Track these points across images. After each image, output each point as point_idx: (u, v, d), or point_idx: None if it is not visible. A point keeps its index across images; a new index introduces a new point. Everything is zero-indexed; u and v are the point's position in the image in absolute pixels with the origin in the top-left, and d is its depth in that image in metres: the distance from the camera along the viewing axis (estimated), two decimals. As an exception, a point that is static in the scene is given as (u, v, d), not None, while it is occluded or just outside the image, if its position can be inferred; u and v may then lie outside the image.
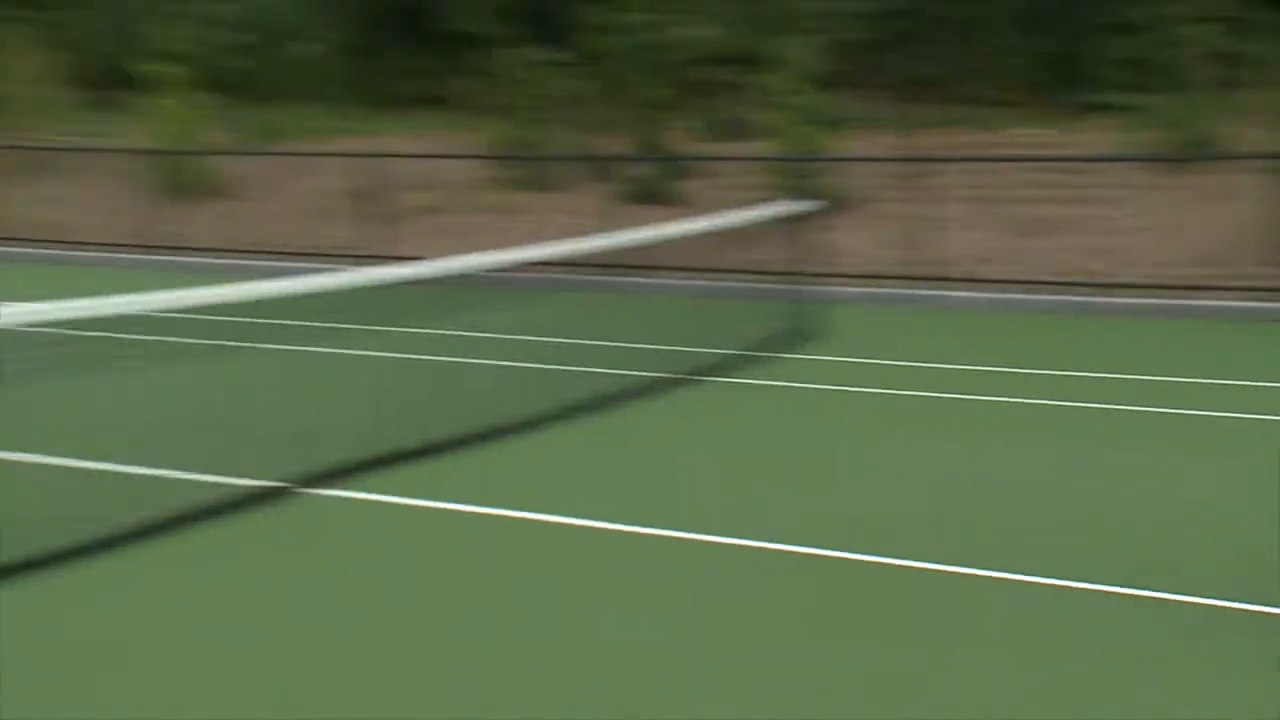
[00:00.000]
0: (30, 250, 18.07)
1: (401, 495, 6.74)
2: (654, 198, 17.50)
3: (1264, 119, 17.37)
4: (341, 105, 22.41)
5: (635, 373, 9.71)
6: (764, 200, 14.10)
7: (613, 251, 14.66)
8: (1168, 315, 12.92)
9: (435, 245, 15.71)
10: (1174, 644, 4.79)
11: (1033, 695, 4.35)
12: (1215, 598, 5.20)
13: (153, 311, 6.50)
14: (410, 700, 4.36)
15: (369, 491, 6.81)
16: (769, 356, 10.71)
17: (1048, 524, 6.30)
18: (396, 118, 22.10)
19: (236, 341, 9.59)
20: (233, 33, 23.38)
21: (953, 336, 11.96)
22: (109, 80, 23.19)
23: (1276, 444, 7.69)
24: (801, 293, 12.06)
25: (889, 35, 21.67)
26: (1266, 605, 5.14)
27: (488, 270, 9.49)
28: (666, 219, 13.97)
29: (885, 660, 4.68)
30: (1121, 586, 5.31)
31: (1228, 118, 18.04)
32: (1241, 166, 16.33)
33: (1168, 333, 12.07)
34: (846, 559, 5.79)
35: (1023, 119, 21.06)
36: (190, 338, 9.87)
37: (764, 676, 4.55)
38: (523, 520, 6.39)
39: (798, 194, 13.71)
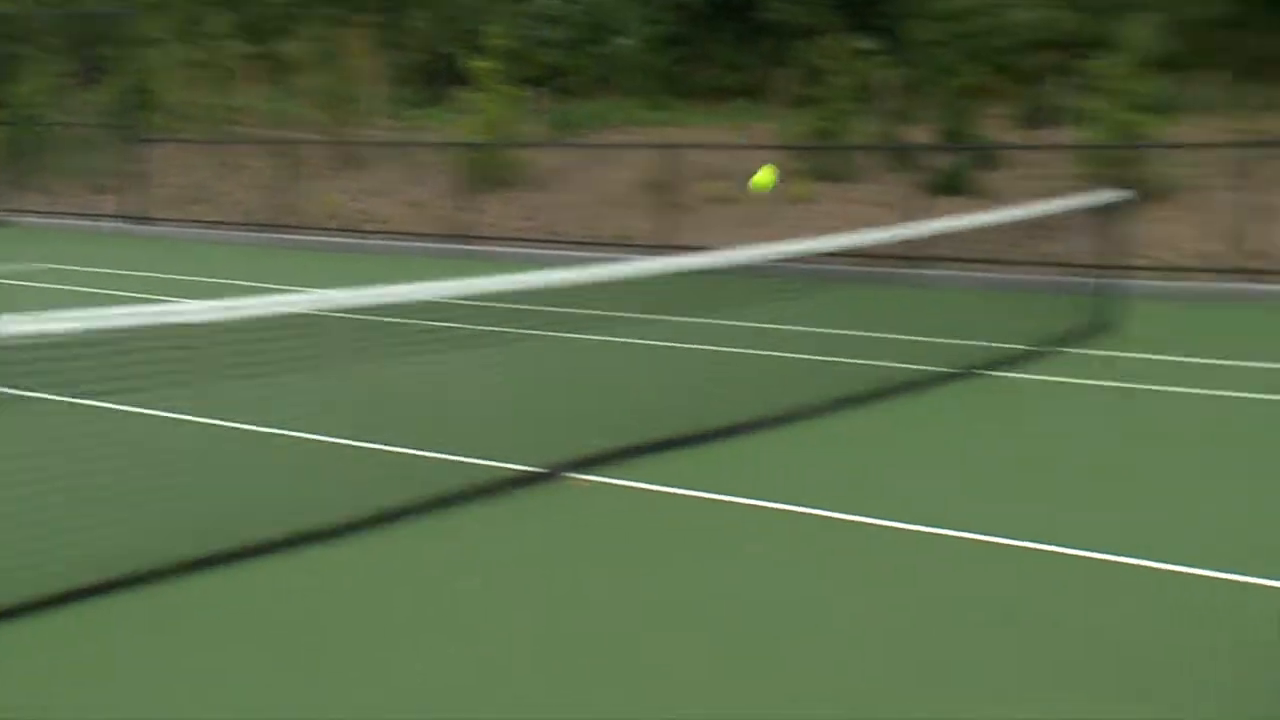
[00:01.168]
0: (345, 240, 19.18)
1: (667, 484, 6.71)
2: (956, 188, 16.98)
3: None
4: (656, 98, 22.83)
5: (920, 366, 9.43)
6: (1073, 190, 13.44)
7: (908, 243, 14.33)
8: None
9: (725, 235, 15.76)
10: None
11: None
12: None
13: (436, 299, 6.73)
14: (661, 686, 4.33)
15: (636, 479, 6.83)
16: (1059, 352, 10.20)
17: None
18: (708, 110, 22.33)
19: (520, 329, 9.85)
20: (555, 27, 24.17)
21: (1256, 334, 11.07)
22: (436, 77, 24.42)
23: None
24: (1104, 286, 11.43)
25: (1236, 10, 20.22)
26: None
27: (775, 261, 9.40)
28: (968, 210, 13.52)
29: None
30: None
31: None
32: None
33: None
34: (1109, 561, 5.41)
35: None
36: (476, 325, 10.20)
37: (1019, 677, 4.30)
38: (786, 512, 6.28)
39: (1112, 183, 12.99)
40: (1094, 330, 10.92)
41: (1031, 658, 4.55)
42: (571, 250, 16.71)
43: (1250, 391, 8.74)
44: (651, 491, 6.64)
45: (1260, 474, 6.94)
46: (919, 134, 19.23)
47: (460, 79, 21.61)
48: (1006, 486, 6.73)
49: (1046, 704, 4.19)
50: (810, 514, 6.23)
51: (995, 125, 19.76)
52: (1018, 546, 5.71)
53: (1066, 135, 18.26)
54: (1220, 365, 9.71)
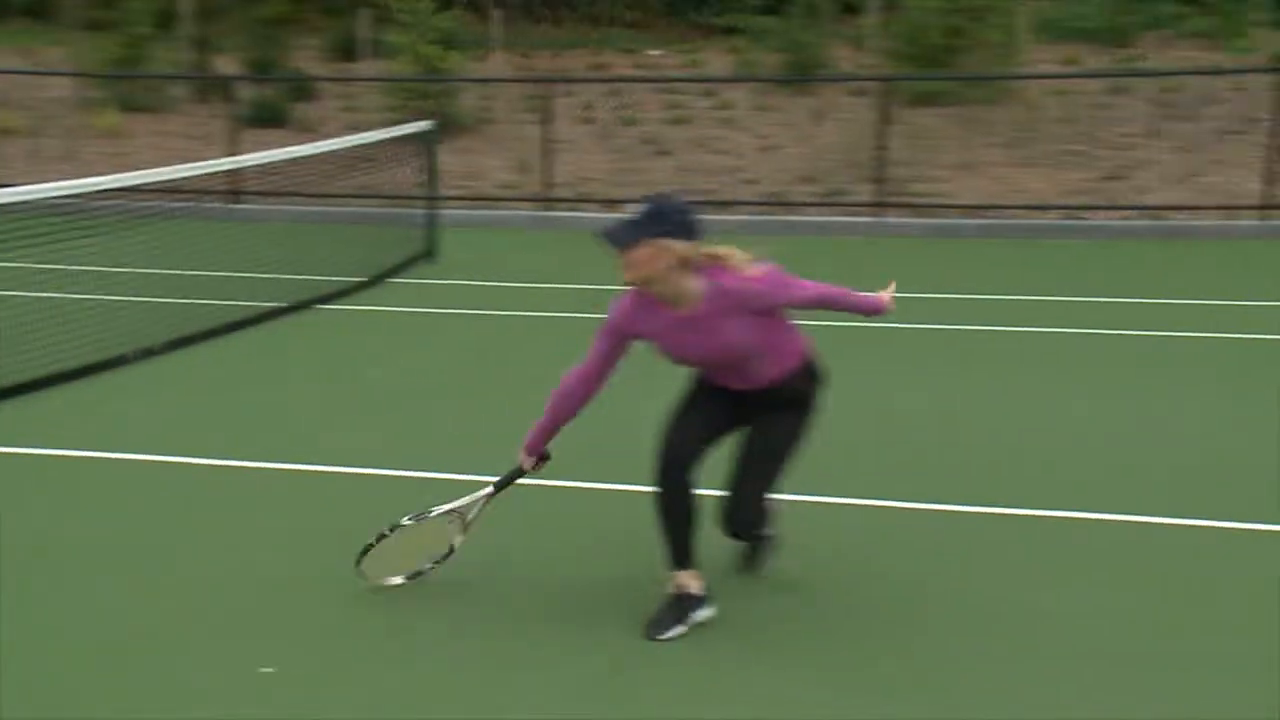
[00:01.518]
0: None
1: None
2: (273, 120, 16.79)
3: (868, 45, 18.36)
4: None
5: (244, 303, 9.27)
6: (388, 122, 13.74)
7: (227, 176, 13.96)
8: (780, 231, 13.45)
9: (24, 170, 14.53)
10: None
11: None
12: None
13: None
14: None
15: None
16: (387, 282, 10.50)
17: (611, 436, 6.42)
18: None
19: None
20: None
21: (561, 257, 12.04)
22: None
23: (910, 347, 8.19)
24: (420, 216, 11.86)
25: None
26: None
27: (82, 197, 8.78)
28: (286, 142, 13.41)
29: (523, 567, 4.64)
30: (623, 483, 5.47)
31: (838, 42, 18.97)
32: (846, 89, 17.21)
33: (775, 249, 12.57)
34: (402, 477, 5.71)
35: (649, 41, 21.44)
36: None
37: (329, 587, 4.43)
38: (102, 460, 6.01)
39: (421, 115, 13.42)
40: (418, 259, 11.31)
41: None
42: None
43: (564, 311, 9.48)
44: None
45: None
46: (228, 64, 18.73)
47: None
48: (345, 417, 6.85)
49: (382, 618, 4.38)
50: (138, 460, 6.05)
51: (306, 57, 19.71)
52: (361, 474, 5.86)
53: (375, 68, 18.61)
54: (533, 288, 10.44)
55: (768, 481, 4.35)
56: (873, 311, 4.52)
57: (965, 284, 10.50)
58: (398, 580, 4.59)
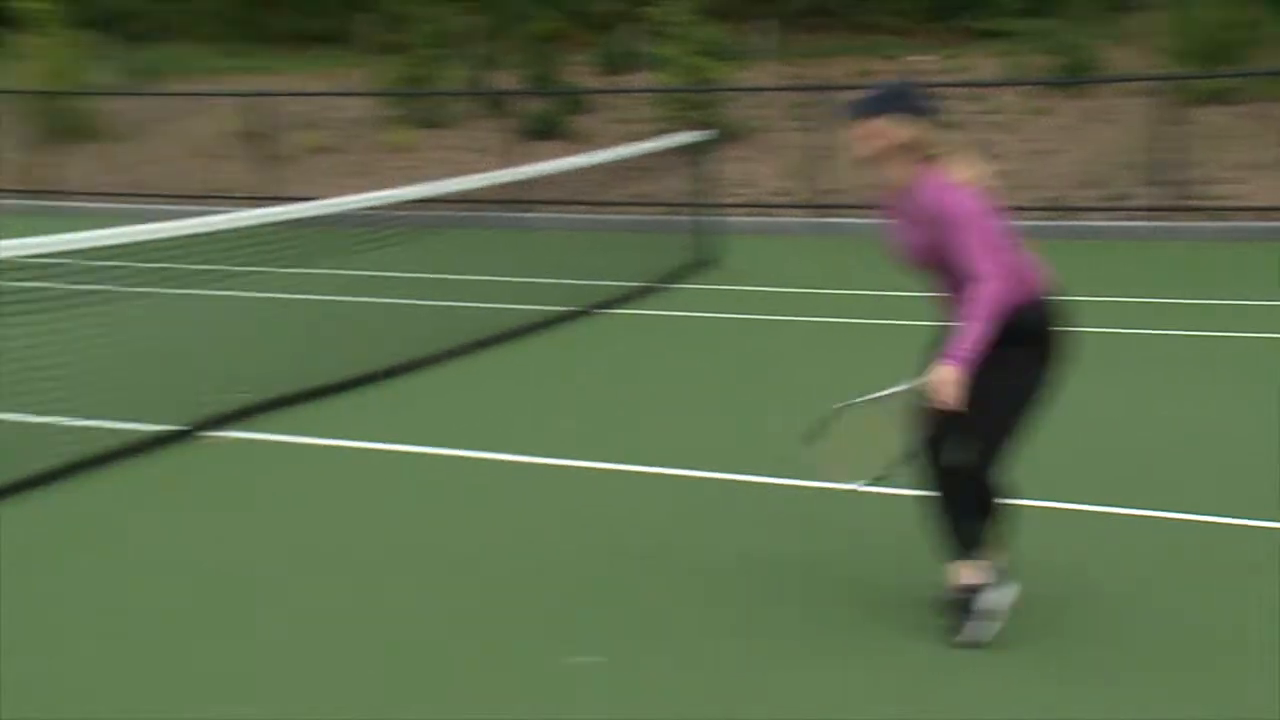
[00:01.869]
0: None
1: (301, 435, 6.72)
2: (550, 132, 17.38)
3: (1142, 43, 17.71)
4: (229, 43, 21.87)
5: (534, 307, 9.68)
6: (660, 132, 14.08)
7: (510, 187, 14.57)
8: (1061, 236, 13.14)
9: (328, 185, 15.50)
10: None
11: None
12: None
13: (30, 256, 6.33)
14: (311, 627, 4.38)
15: (268, 432, 6.78)
16: (666, 288, 10.75)
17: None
18: (287, 56, 21.62)
19: (124, 287, 9.35)
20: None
21: (839, 263, 12.06)
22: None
23: (1186, 356, 7.96)
24: (699, 224, 12.10)
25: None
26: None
27: (382, 208, 9.38)
28: (563, 153, 13.89)
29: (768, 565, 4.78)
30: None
31: (1109, 42, 18.36)
32: (1122, 90, 16.65)
33: (1064, 253, 12.28)
34: (719, 479, 5.86)
35: (914, 46, 21.21)
36: (75, 284, 9.61)
37: (668, 588, 4.63)
38: (419, 455, 6.41)
39: (693, 125, 13.70)
40: (696, 265, 11.54)
41: (682, 577, 4.91)
42: (167, 204, 15.85)
43: (842, 316, 9.55)
44: (287, 444, 6.65)
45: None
46: (507, 80, 19.49)
47: (10, 21, 19.91)
48: (634, 416, 7.10)
49: (701, 616, 4.55)
50: (450, 455, 6.40)
51: (579, 71, 20.30)
52: (655, 474, 6.06)
53: (644, 79, 19.03)
54: (813, 294, 10.51)
55: (979, 419, 3.99)
56: (946, 355, 3.88)
57: (1257, 290, 10.06)
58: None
